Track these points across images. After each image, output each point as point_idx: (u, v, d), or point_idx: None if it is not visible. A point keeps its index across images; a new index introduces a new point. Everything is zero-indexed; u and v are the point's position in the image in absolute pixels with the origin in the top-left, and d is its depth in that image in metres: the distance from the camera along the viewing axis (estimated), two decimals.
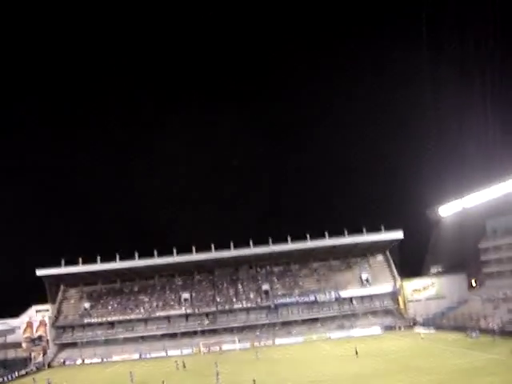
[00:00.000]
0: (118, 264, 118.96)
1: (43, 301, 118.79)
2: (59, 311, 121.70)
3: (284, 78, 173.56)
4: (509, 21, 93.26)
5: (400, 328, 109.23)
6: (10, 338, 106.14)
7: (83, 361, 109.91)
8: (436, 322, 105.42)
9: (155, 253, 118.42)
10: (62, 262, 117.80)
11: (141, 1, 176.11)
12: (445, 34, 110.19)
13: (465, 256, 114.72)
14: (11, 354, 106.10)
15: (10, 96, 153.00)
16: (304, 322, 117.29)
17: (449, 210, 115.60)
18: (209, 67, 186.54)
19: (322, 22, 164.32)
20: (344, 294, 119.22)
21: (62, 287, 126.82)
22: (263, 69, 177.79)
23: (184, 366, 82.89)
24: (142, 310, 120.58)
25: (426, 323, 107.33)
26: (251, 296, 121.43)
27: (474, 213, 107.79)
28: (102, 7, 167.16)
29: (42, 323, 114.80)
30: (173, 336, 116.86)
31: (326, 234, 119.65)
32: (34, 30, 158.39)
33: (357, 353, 75.44)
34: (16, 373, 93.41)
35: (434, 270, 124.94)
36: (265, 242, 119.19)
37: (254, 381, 53.44)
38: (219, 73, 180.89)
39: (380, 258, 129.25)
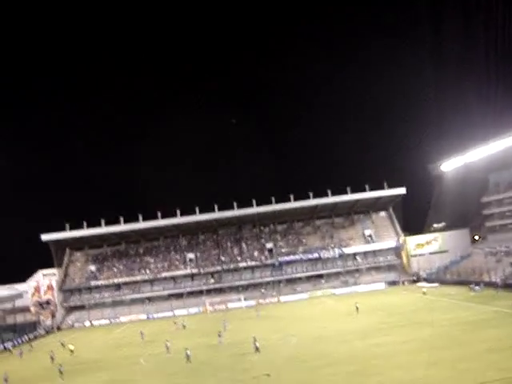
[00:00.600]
0: (122, 226, 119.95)
1: (50, 265, 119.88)
2: (66, 275, 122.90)
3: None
4: None
5: (404, 283, 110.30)
6: (19, 303, 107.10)
7: (91, 323, 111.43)
8: (439, 277, 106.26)
9: (159, 214, 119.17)
10: (67, 226, 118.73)
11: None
12: None
13: (467, 211, 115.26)
14: (20, 318, 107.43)
15: None
16: (308, 278, 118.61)
17: (451, 166, 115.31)
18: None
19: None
20: (347, 250, 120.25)
21: (67, 251, 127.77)
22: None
23: (184, 327, 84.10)
24: (148, 272, 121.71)
25: (430, 278, 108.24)
26: (255, 254, 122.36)
27: (477, 167, 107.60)
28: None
29: (50, 287, 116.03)
30: (179, 296, 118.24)
31: (329, 192, 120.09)
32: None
33: (357, 309, 76.20)
34: (26, 336, 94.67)
35: (437, 225, 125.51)
36: (268, 202, 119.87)
37: (254, 338, 54.04)
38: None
39: (383, 214, 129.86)
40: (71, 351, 69.72)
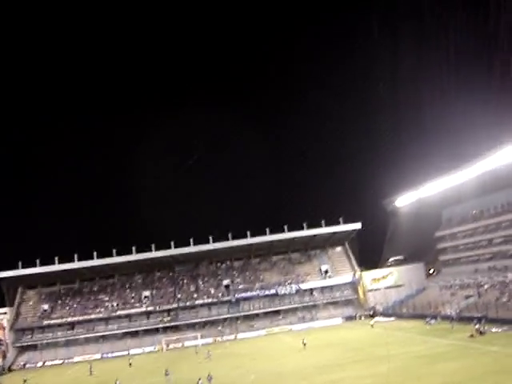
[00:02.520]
0: (76, 264, 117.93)
1: (1, 304, 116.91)
2: (18, 314, 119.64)
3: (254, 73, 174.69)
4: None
5: (360, 318, 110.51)
6: None
7: (44, 363, 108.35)
8: (396, 311, 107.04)
9: (114, 252, 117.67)
10: (19, 263, 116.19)
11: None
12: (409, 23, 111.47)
13: (422, 245, 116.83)
14: None
15: None
16: (266, 314, 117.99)
17: (405, 201, 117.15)
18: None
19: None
20: (304, 285, 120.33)
21: (19, 289, 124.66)
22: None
23: (130, 365, 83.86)
24: (103, 310, 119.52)
25: (386, 312, 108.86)
26: (212, 291, 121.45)
27: (430, 202, 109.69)
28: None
29: (1, 326, 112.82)
30: (134, 334, 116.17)
31: (285, 227, 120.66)
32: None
33: (305, 345, 76.72)
34: None
35: (392, 259, 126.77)
36: (224, 238, 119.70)
37: (209, 375, 53.52)
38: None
39: (339, 249, 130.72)
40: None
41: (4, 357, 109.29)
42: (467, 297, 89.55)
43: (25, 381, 71.71)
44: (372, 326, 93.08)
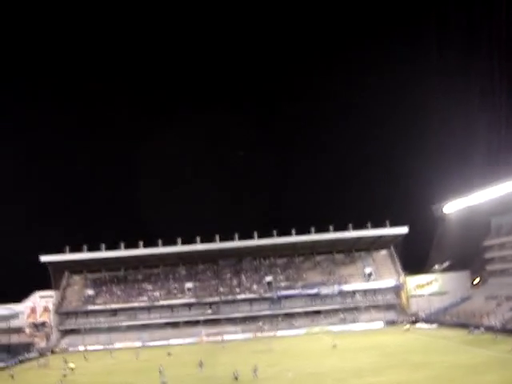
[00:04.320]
0: (122, 252, 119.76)
1: (47, 287, 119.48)
2: (63, 297, 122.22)
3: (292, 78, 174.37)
4: None
5: (402, 323, 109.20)
6: (14, 323, 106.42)
7: (86, 347, 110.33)
8: (438, 318, 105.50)
9: (160, 242, 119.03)
10: (67, 248, 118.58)
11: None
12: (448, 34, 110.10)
13: (468, 253, 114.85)
14: (14, 338, 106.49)
15: None
16: (306, 314, 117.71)
17: (454, 207, 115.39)
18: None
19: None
20: (347, 287, 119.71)
21: (66, 274, 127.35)
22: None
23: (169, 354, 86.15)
24: (146, 299, 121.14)
25: (429, 319, 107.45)
26: (254, 287, 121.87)
27: (479, 210, 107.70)
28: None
29: (46, 309, 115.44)
30: (175, 325, 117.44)
31: (331, 227, 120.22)
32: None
33: (335, 346, 78.89)
34: (19, 358, 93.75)
35: (437, 266, 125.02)
36: (269, 235, 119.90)
37: (235, 373, 54.13)
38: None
39: (384, 252, 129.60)
40: (72, 369, 72.49)
41: (47, 339, 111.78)
42: None
43: (72, 369, 73.09)
44: (407, 329, 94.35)
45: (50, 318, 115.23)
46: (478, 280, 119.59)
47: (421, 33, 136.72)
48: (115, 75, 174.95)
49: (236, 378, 53.55)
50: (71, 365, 73.85)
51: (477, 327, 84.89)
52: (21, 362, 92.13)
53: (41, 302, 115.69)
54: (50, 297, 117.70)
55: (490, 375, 49.37)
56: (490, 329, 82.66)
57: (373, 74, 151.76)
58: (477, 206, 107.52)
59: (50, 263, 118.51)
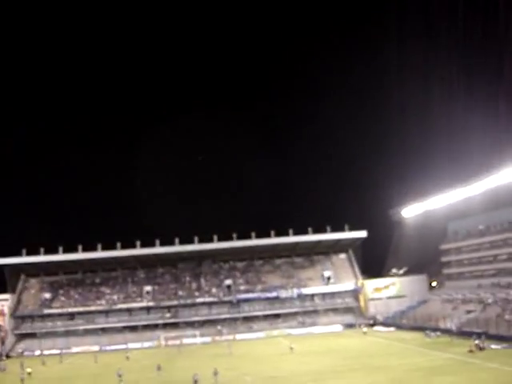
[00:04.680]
0: (80, 255, 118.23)
1: (3, 290, 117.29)
2: (19, 301, 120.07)
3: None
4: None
5: (360, 326, 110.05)
6: None
7: (42, 352, 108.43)
8: (396, 321, 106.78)
9: (118, 245, 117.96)
10: (23, 251, 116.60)
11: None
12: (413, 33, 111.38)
13: (426, 257, 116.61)
14: None
15: None
16: (266, 317, 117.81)
17: (411, 212, 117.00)
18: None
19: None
20: (306, 290, 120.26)
21: (22, 277, 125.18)
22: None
23: (127, 358, 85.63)
24: (103, 302, 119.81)
25: (386, 322, 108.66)
26: (213, 290, 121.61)
27: (436, 215, 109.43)
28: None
29: (1, 313, 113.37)
30: (134, 329, 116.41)
31: (291, 231, 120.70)
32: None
33: (291, 349, 78.81)
34: None
35: (395, 269, 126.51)
36: (229, 238, 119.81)
37: (194, 377, 53.86)
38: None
39: (343, 256, 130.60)
40: (29, 373, 70.89)
41: (3, 343, 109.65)
42: (469, 312, 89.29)
43: (29, 373, 71.41)
44: (365, 333, 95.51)
45: (5, 322, 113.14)
46: (435, 283, 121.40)
47: (381, 33, 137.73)
48: (101, 79, 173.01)
49: (195, 382, 53.23)
50: (28, 369, 72.46)
51: (434, 330, 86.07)
52: None
53: None
54: (6, 300, 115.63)
55: (448, 377, 50.17)
56: (446, 332, 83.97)
57: (332, 77, 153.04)
58: (434, 211, 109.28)
59: (6, 266, 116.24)
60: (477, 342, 66.33)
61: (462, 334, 79.64)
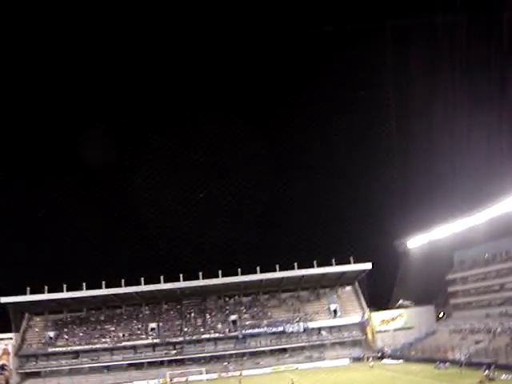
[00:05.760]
0: (84, 292, 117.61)
1: (7, 329, 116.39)
2: (23, 339, 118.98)
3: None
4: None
5: (368, 359, 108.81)
6: None
7: None
8: (404, 353, 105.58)
9: (122, 282, 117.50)
10: (27, 289, 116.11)
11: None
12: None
13: (432, 287, 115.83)
14: None
15: None
16: (272, 352, 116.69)
17: (417, 243, 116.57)
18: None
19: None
20: (312, 324, 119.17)
21: (26, 315, 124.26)
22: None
23: None
24: (108, 340, 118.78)
25: (395, 354, 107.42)
26: (219, 326, 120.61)
27: (442, 245, 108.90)
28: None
29: (5, 352, 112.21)
30: (139, 366, 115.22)
31: (296, 265, 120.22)
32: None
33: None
34: None
35: (402, 301, 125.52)
36: (233, 273, 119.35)
37: None
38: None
39: (349, 288, 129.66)
40: None
41: (7, 383, 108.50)
42: (477, 342, 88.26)
43: None
44: (372, 366, 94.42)
45: (9, 361, 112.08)
46: (442, 314, 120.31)
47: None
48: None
49: None
50: None
51: (443, 362, 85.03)
52: None
53: (0, 345, 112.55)
54: (10, 339, 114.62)
55: None
56: (455, 363, 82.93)
57: (335, 110, 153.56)
58: (439, 241, 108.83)
59: (10, 304, 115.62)
60: (486, 372, 65.57)
61: (472, 364, 78.60)
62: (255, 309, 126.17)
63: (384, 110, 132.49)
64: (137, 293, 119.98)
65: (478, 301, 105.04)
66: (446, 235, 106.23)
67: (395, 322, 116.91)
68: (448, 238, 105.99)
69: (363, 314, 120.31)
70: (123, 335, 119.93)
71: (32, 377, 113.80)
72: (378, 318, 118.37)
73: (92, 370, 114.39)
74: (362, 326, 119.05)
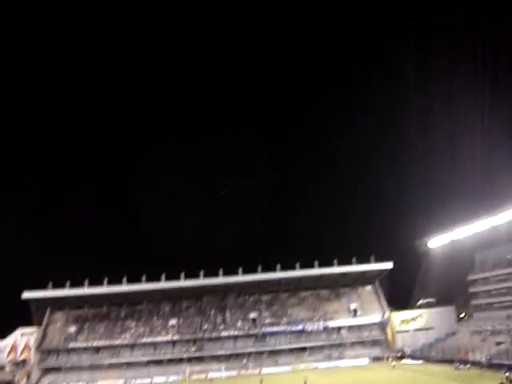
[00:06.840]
0: (105, 288, 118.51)
1: (29, 323, 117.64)
2: (44, 335, 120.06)
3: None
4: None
5: (388, 359, 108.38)
6: None
7: None
8: (424, 354, 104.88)
9: (143, 278, 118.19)
10: (50, 284, 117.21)
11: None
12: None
13: (453, 288, 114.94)
14: None
15: None
16: (291, 350, 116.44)
17: (438, 243, 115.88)
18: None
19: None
20: (332, 323, 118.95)
21: (48, 310, 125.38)
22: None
23: None
24: (128, 336, 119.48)
25: (414, 354, 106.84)
26: (239, 324, 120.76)
27: (463, 245, 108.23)
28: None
29: (27, 346, 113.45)
30: (159, 363, 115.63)
31: (316, 263, 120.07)
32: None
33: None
34: None
35: (422, 301, 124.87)
36: (254, 271, 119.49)
37: None
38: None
39: (369, 288, 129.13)
40: None
41: (28, 377, 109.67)
42: (498, 343, 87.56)
43: None
44: (394, 366, 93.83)
45: (30, 356, 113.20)
46: (463, 314, 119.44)
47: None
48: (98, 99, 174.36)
49: None
50: None
51: (463, 362, 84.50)
52: None
53: (22, 340, 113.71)
54: (32, 334, 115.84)
55: None
56: (475, 364, 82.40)
57: (357, 104, 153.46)
58: (461, 241, 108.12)
59: (32, 299, 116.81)
60: (507, 374, 65.18)
61: (492, 366, 78.18)
62: (275, 307, 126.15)
63: (405, 106, 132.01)
64: (157, 289, 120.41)
65: (499, 302, 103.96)
66: (467, 235, 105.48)
67: (415, 322, 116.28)
68: (469, 238, 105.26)
69: (383, 313, 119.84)
70: (143, 332, 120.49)
71: (52, 372, 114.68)
72: (398, 317, 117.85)
73: (112, 366, 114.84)
74: (382, 325, 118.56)
